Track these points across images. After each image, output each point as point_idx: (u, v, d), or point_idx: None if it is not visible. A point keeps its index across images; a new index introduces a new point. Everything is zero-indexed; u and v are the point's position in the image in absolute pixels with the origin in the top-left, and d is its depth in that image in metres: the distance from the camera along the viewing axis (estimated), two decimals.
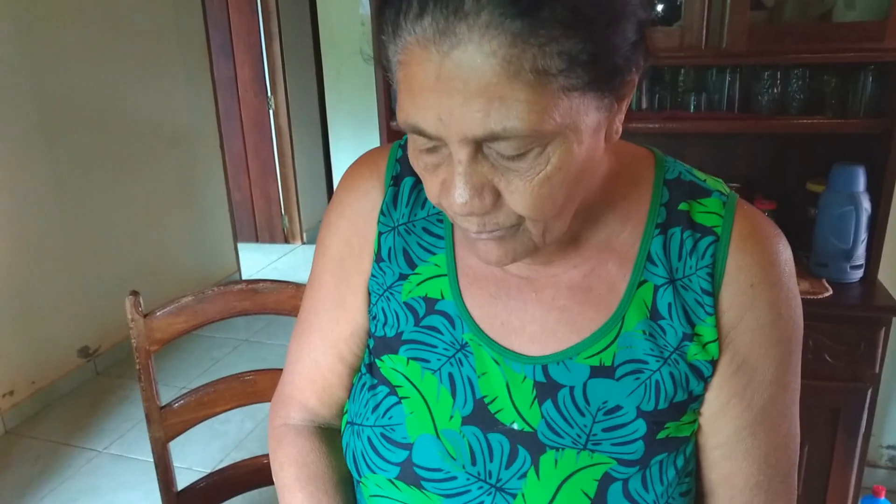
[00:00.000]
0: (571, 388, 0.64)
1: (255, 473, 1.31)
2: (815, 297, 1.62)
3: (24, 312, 2.83)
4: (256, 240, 5.07)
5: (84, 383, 3.10)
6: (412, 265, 0.70)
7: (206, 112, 3.91)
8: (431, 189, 0.57)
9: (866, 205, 1.65)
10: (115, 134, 3.25)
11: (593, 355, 0.64)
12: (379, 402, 0.69)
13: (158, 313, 1.20)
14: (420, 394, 0.67)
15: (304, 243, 5.04)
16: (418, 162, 0.57)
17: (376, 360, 0.71)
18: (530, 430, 0.64)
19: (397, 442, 0.67)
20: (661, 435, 0.63)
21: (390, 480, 0.67)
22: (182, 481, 1.27)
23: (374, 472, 0.67)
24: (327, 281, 0.75)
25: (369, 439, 0.68)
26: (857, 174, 1.64)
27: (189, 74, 3.74)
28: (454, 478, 0.65)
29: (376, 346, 0.71)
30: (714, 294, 0.63)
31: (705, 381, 0.64)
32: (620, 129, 0.58)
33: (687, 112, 1.83)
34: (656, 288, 0.63)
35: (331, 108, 3.79)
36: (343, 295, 0.74)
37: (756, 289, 0.63)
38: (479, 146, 0.51)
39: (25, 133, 2.79)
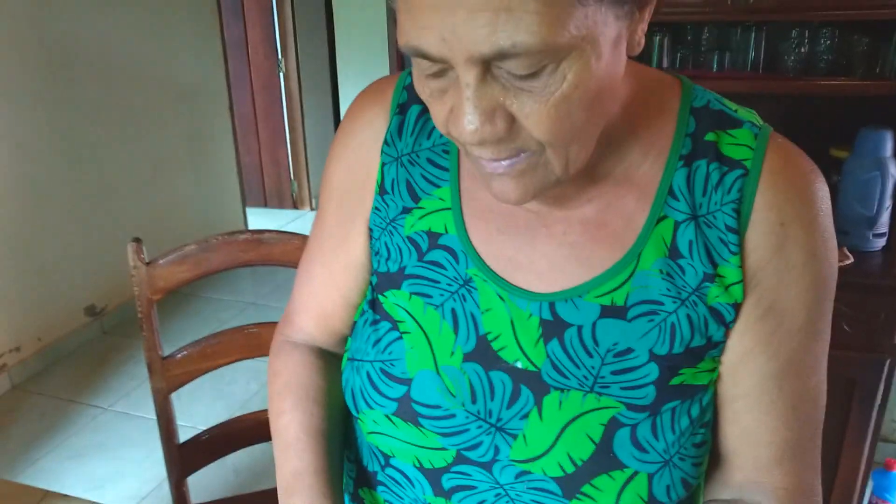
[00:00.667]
0: (580, 328, 0.60)
1: (258, 428, 1.29)
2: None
3: (30, 268, 2.82)
4: (265, 204, 5.04)
5: (90, 341, 3.10)
6: (416, 198, 0.66)
7: (215, 72, 3.85)
8: (439, 117, 0.52)
9: (893, 170, 1.59)
10: (122, 88, 3.20)
11: (604, 294, 0.59)
12: (380, 338, 0.66)
13: (161, 261, 1.17)
14: (421, 329, 0.64)
15: (313, 209, 5.01)
16: (424, 88, 0.52)
17: (379, 296, 0.68)
18: (534, 369, 0.61)
19: (396, 377, 0.64)
20: (674, 381, 0.59)
21: (387, 416, 0.64)
22: (185, 439, 1.25)
23: (372, 408, 0.65)
24: (330, 213, 0.72)
25: (368, 374, 0.66)
26: (884, 138, 1.58)
27: (198, 33, 3.68)
28: (453, 415, 0.62)
29: (379, 281, 0.68)
30: (740, 232, 0.58)
31: (726, 326, 0.59)
32: (643, 41, 0.52)
33: (709, 72, 1.77)
34: (677, 224, 0.59)
35: (342, 73, 3.72)
36: (345, 229, 0.71)
37: (787, 228, 0.58)
38: (487, 66, 0.47)
39: (31, 83, 2.75)
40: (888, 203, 1.62)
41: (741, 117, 0.61)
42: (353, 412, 0.68)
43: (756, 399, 0.61)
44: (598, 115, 0.52)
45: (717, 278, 0.58)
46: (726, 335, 0.60)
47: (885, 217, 1.63)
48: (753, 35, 1.74)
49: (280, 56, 4.65)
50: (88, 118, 3.04)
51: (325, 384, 0.74)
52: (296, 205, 5.02)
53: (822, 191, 0.60)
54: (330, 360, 0.77)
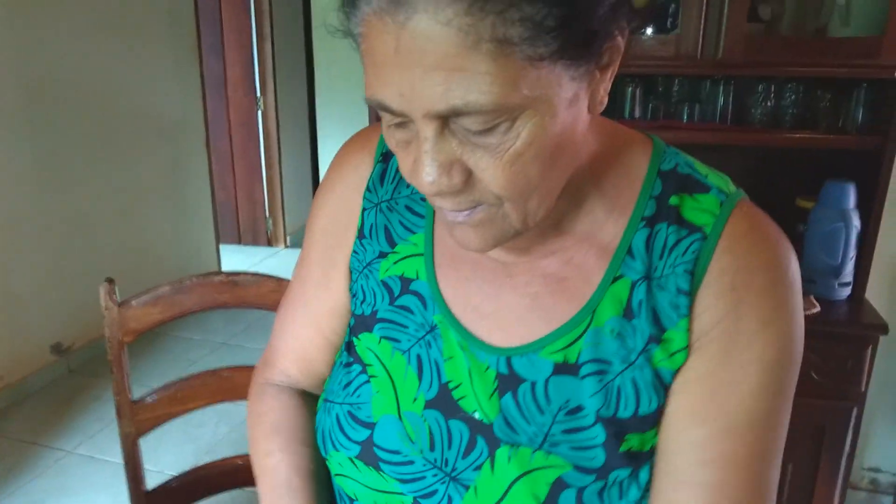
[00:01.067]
0: (533, 384, 0.60)
1: (229, 475, 1.26)
2: (803, 314, 1.60)
3: None
4: (239, 241, 5.01)
5: (56, 380, 3.02)
6: (392, 243, 0.68)
7: (193, 109, 3.86)
8: (404, 167, 0.54)
9: (856, 222, 1.64)
10: (99, 123, 3.19)
11: (558, 350, 0.60)
12: (351, 380, 0.68)
13: (133, 302, 1.15)
14: (388, 373, 0.65)
15: (287, 247, 4.99)
16: (391, 139, 0.54)
17: (353, 339, 0.69)
18: (489, 421, 0.61)
19: (361, 421, 0.65)
20: (623, 447, 0.58)
21: (351, 459, 0.65)
22: (153, 484, 1.22)
23: (338, 450, 0.66)
24: (314, 256, 0.74)
25: (337, 416, 0.67)
26: (847, 191, 1.64)
27: (178, 70, 3.69)
28: (411, 462, 0.63)
29: (356, 324, 0.70)
30: (691, 295, 0.57)
31: (668, 392, 0.58)
32: (605, 100, 0.54)
33: (679, 122, 1.82)
34: (633, 284, 0.59)
35: (321, 112, 3.76)
36: (327, 271, 0.73)
37: (739, 293, 0.56)
38: (445, 121, 0.48)
39: (8, 115, 2.72)
40: (852, 253, 1.66)
41: (710, 183, 0.60)
42: (323, 453, 0.69)
43: (678, 475, 0.57)
44: (555, 172, 0.53)
45: (662, 342, 0.57)
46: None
47: (849, 267, 1.68)
48: (722, 88, 1.81)
49: (259, 94, 4.68)
50: (64, 152, 3.01)
51: (311, 426, 0.75)
52: (270, 242, 4.99)
53: (786, 261, 0.58)
54: (313, 403, 0.77)
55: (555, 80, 0.48)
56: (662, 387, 0.58)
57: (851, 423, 1.63)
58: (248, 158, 4.86)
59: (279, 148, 4.81)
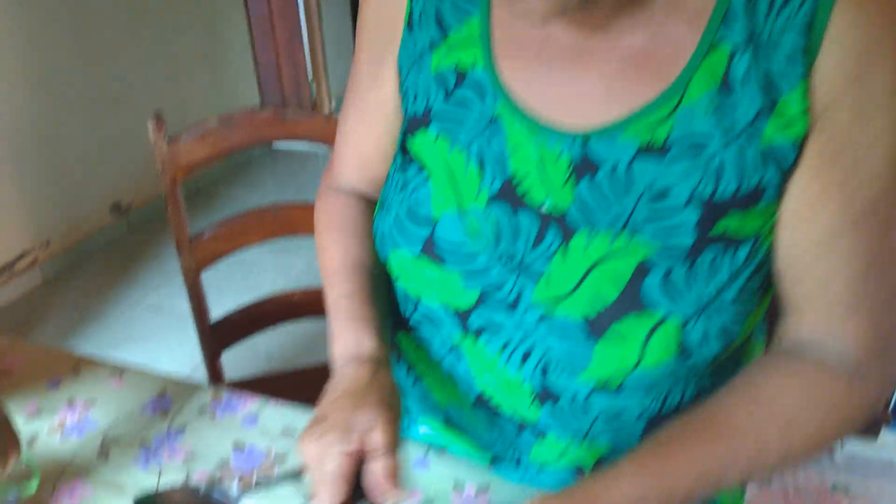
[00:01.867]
0: (614, 166, 0.55)
1: (286, 308, 1.31)
2: None
3: (54, 165, 2.82)
4: (284, 106, 4.96)
5: (117, 239, 3.14)
6: (444, 30, 0.62)
7: None
8: None
9: None
10: None
11: (644, 130, 0.54)
12: (408, 181, 0.64)
13: (183, 137, 1.15)
14: (447, 170, 0.62)
15: (332, 111, 4.93)
16: None
17: (409, 137, 0.66)
18: (561, 210, 0.58)
19: (422, 217, 0.63)
20: (717, 228, 0.54)
21: (414, 256, 0.63)
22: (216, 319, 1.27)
23: (399, 248, 0.64)
24: (363, 56, 0.70)
25: (396, 216, 0.64)
26: None
27: None
28: (476, 257, 0.61)
29: (409, 123, 0.66)
30: (810, 56, 0.49)
31: (785, 168, 0.52)
32: None
33: None
34: (732, 52, 0.51)
35: None
36: (376, 68, 0.69)
37: (871, 54, 0.48)
38: None
39: None
40: None
41: None
42: (382, 257, 0.67)
43: (826, 251, 0.54)
44: None
45: (775, 113, 0.51)
46: (784, 178, 0.53)
47: None
48: None
49: None
50: (103, 23, 2.95)
51: (366, 221, 0.74)
52: (315, 106, 4.93)
53: None
54: (371, 205, 0.77)
55: None
56: (776, 163, 0.52)
57: None
58: (288, 22, 4.69)
59: (319, 9, 4.64)
